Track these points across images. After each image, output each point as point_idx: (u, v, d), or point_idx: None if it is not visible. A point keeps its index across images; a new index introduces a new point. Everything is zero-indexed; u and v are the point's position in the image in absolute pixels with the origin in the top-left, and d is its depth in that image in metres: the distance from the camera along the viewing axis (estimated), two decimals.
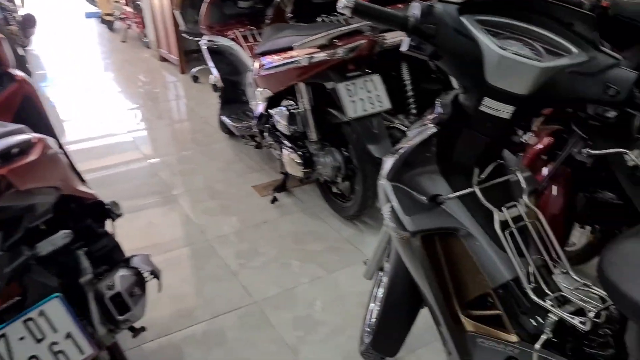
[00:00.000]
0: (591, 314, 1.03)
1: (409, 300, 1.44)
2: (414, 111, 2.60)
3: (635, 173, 1.41)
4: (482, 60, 1.01)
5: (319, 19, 2.85)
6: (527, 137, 1.73)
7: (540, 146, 1.64)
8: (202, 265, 2.31)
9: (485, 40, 1.01)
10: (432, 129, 1.16)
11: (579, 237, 1.89)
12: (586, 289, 1.14)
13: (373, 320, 1.65)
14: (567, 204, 1.55)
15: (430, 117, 1.20)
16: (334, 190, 2.58)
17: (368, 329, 1.68)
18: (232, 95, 3.15)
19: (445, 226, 1.18)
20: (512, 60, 0.99)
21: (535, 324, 1.12)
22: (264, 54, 2.52)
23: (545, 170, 1.59)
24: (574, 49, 1.01)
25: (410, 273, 1.29)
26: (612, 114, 1.03)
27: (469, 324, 1.23)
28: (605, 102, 1.01)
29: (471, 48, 1.02)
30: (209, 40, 3.10)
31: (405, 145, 1.21)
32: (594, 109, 1.04)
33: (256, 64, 2.58)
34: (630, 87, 0.99)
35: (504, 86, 1.02)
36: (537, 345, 1.07)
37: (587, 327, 1.02)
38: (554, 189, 1.56)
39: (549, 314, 1.07)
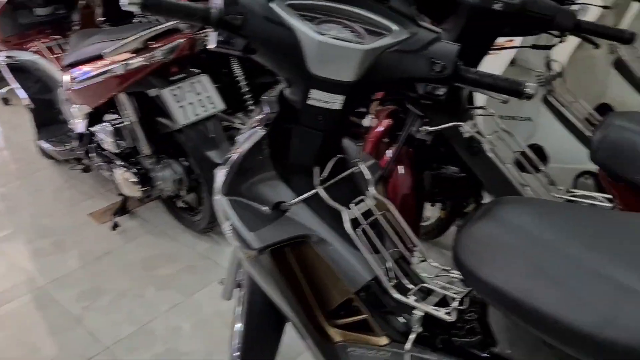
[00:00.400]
0: (455, 303, 0.99)
1: (271, 317, 1.32)
2: (252, 108, 2.47)
3: (472, 144, 1.42)
4: (301, 49, 0.90)
5: (135, 20, 2.58)
6: (367, 121, 1.70)
7: (380, 129, 1.60)
8: (37, 319, 1.98)
9: (300, 26, 0.89)
10: (261, 132, 1.03)
11: (431, 212, 1.91)
12: (447, 274, 1.11)
13: (239, 341, 1.50)
14: (415, 185, 1.53)
15: (258, 117, 1.07)
16: (180, 204, 2.38)
17: (236, 352, 1.53)
18: (47, 116, 2.77)
19: (294, 235, 1.06)
20: (332, 45, 0.90)
21: (403, 322, 1.05)
22: (72, 65, 2.22)
23: (388, 154, 1.55)
24: (394, 27, 0.94)
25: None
26: (442, 91, 0.98)
27: (336, 334, 1.14)
28: (433, 79, 0.96)
29: (287, 37, 0.90)
30: (7, 57, 2.68)
31: (236, 152, 1.07)
32: (423, 87, 0.98)
33: (66, 78, 2.26)
34: (455, 60, 0.95)
35: (329, 75, 0.93)
36: (408, 345, 1.00)
37: (452, 317, 0.97)
38: (400, 172, 1.53)
39: (414, 310, 1.01)
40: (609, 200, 1.33)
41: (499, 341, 0.93)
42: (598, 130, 1.19)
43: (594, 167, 1.69)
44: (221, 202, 1.09)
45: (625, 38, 1.36)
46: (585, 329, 0.69)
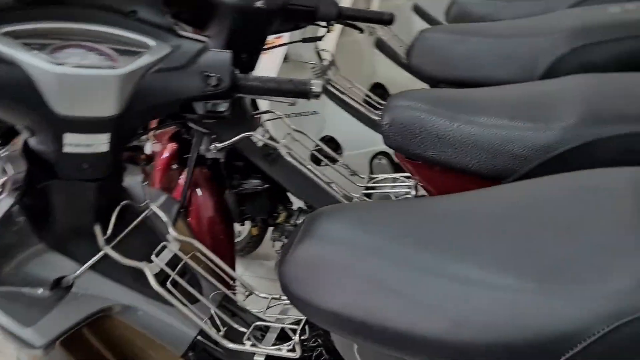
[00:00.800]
0: (296, 337, 0.88)
1: None
2: None
3: (268, 152, 1.34)
4: (36, 88, 0.70)
5: None
6: (149, 149, 1.51)
7: (165, 155, 1.43)
8: None
9: (27, 58, 0.69)
10: (7, 200, 0.80)
11: (242, 229, 1.80)
12: (278, 302, 1.00)
13: None
14: (219, 209, 1.39)
15: (1, 182, 0.83)
16: None
17: None
18: None
19: (88, 314, 0.86)
20: (76, 76, 0.71)
21: None
22: None
23: (181, 181, 1.39)
24: (151, 42, 0.79)
25: None
26: (224, 106, 0.86)
27: None
28: (211, 95, 0.83)
29: (12, 74, 0.69)
30: None
31: None
32: (203, 106, 0.85)
33: None
34: (230, 69, 0.83)
35: (83, 113, 0.74)
36: None
37: (297, 353, 0.86)
38: (199, 199, 1.38)
39: (255, 357, 0.88)
40: (408, 178, 1.36)
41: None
42: (385, 114, 1.19)
43: (384, 147, 1.74)
44: None
45: (386, 19, 1.40)
46: (439, 336, 0.63)
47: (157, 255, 0.90)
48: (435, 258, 0.69)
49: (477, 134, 1.06)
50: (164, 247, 0.92)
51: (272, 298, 0.99)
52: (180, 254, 0.93)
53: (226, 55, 0.85)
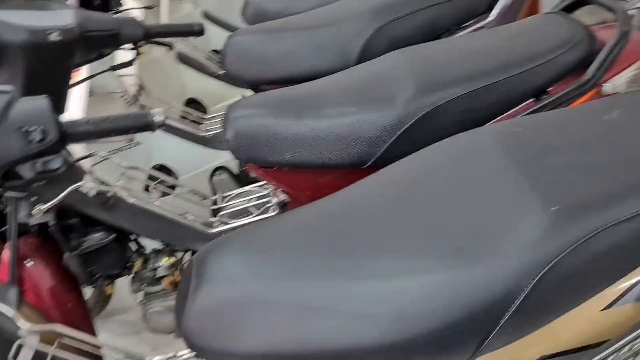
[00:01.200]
0: None
1: None
2: None
3: (103, 200, 1.18)
4: None
5: None
6: None
7: None
8: None
9: None
10: None
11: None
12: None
13: None
14: (60, 279, 1.19)
15: None
16: None
17: None
18: None
19: None
20: None
21: None
22: None
23: (4, 259, 1.16)
24: None
25: None
26: (58, 162, 0.72)
27: None
28: (39, 152, 0.69)
29: None
30: None
31: None
32: (32, 168, 0.70)
33: None
34: (53, 117, 0.70)
35: None
36: None
37: None
38: (32, 274, 1.16)
39: None
40: (261, 186, 1.31)
41: None
42: (227, 127, 1.11)
43: (220, 162, 1.67)
44: None
45: (196, 31, 1.31)
46: (382, 339, 0.60)
47: (15, 359, 0.73)
48: (349, 262, 0.66)
49: (328, 126, 1.06)
50: (20, 347, 0.76)
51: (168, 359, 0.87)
52: (43, 347, 0.77)
53: (43, 101, 0.71)
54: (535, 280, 0.59)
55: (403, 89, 1.06)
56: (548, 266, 0.59)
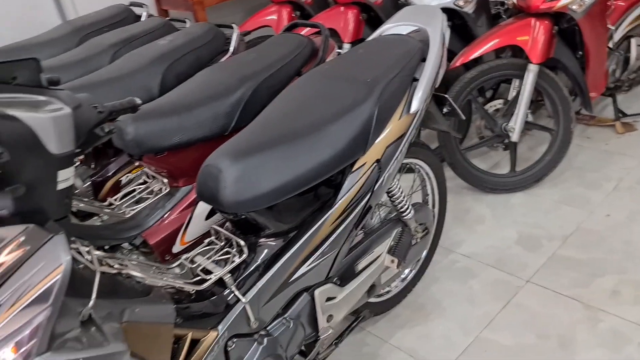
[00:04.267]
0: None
1: None
2: None
3: None
4: None
5: None
6: None
7: None
8: None
9: None
10: None
11: None
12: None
13: None
14: None
15: None
16: None
17: None
18: None
19: None
20: None
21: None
22: None
23: None
24: None
25: None
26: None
27: None
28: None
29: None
30: None
31: None
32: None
33: None
34: None
35: None
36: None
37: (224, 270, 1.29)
38: None
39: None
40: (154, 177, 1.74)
41: None
42: (127, 133, 1.53)
43: None
44: None
45: None
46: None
47: None
48: (289, 134, 1.31)
49: (197, 113, 1.61)
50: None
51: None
52: None
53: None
54: (377, 104, 1.38)
55: (232, 83, 1.71)
56: (379, 101, 1.39)
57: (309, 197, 1.40)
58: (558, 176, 2.61)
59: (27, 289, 0.88)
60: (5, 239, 0.89)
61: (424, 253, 2.00)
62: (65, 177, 0.96)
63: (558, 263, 2.11)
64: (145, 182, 1.82)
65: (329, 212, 1.39)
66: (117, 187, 1.97)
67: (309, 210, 1.39)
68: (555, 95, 2.42)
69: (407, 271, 2.00)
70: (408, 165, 1.86)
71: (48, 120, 0.91)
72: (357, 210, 1.45)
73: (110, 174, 2.02)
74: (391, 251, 1.64)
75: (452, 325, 1.91)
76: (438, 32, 1.60)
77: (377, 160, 1.44)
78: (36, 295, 0.89)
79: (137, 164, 1.95)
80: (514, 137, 2.45)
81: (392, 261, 1.62)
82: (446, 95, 1.72)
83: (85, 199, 1.86)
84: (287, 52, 1.88)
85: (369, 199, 1.46)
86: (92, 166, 2.04)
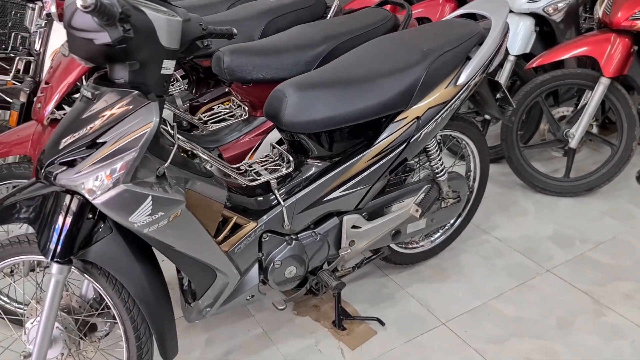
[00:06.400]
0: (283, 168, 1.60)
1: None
2: None
3: None
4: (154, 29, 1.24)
5: None
6: None
7: None
8: None
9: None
10: None
11: None
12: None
13: None
14: None
15: None
16: None
17: None
18: None
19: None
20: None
21: (258, 201, 1.59)
22: None
23: None
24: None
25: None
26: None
27: (224, 248, 1.53)
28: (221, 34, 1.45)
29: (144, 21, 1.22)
30: None
31: None
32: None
33: None
34: None
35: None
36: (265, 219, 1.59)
37: (291, 167, 1.60)
38: None
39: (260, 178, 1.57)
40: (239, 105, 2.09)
41: None
42: (225, 60, 1.88)
43: None
44: None
45: None
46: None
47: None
48: (352, 79, 1.59)
49: (284, 57, 1.93)
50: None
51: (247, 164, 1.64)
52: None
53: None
54: (427, 69, 1.63)
55: (317, 39, 2.01)
56: (429, 68, 1.64)
57: (352, 134, 1.67)
58: (612, 190, 2.69)
59: (125, 134, 1.24)
60: (119, 98, 1.25)
61: (454, 221, 2.22)
62: (168, 66, 1.30)
63: (583, 262, 2.24)
64: (230, 109, 2.17)
65: (367, 151, 1.67)
66: (209, 112, 2.35)
67: (350, 145, 1.67)
68: (622, 111, 2.51)
69: (437, 234, 2.23)
70: (455, 140, 2.08)
71: (164, 20, 1.25)
72: (391, 155, 1.70)
73: (205, 101, 2.41)
74: (417, 202, 1.88)
75: (465, 288, 2.12)
76: (500, 22, 1.81)
77: (417, 118, 1.69)
78: (130, 140, 1.24)
79: (227, 93, 2.31)
80: (573, 143, 2.57)
81: (417, 210, 1.86)
82: (499, 81, 1.92)
83: (181, 111, 2.25)
84: (371, 22, 2.16)
85: (404, 148, 1.71)
86: (193, 91, 2.44)
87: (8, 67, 2.49)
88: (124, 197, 1.26)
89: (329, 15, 2.52)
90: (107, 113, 1.25)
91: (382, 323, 1.95)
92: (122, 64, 1.25)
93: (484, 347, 1.85)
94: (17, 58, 2.15)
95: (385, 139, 1.68)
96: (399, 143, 1.70)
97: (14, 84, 2.33)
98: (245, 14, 2.37)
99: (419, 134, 1.72)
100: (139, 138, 1.24)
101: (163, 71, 1.30)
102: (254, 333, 1.95)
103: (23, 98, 2.04)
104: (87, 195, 1.26)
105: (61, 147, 1.26)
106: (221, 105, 2.42)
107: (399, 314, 2.01)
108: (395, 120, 1.68)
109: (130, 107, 1.25)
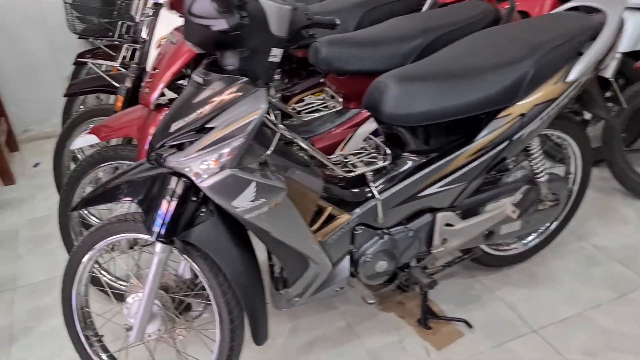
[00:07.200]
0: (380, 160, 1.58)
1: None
2: None
3: None
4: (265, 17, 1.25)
5: None
6: None
7: None
8: None
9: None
10: None
11: None
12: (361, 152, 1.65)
13: None
14: None
15: None
16: None
17: None
18: None
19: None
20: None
21: (354, 193, 1.58)
22: None
23: None
24: None
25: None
26: None
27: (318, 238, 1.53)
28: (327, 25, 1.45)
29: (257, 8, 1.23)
30: None
31: None
32: None
33: None
34: None
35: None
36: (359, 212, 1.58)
37: (388, 160, 1.58)
38: None
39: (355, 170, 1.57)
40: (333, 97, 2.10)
41: None
42: (321, 51, 1.88)
43: None
44: None
45: None
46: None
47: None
48: (458, 70, 1.54)
49: (381, 50, 1.91)
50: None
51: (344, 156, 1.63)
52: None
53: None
54: (535, 65, 1.55)
55: (415, 31, 1.97)
56: (538, 63, 1.56)
57: (452, 129, 1.62)
58: None
59: (233, 120, 1.27)
60: (229, 84, 1.28)
61: (550, 225, 2.12)
62: (276, 54, 1.31)
63: None
64: (324, 100, 2.18)
65: (467, 147, 1.61)
66: (300, 102, 2.37)
67: (448, 140, 1.63)
68: None
69: (530, 237, 2.13)
70: (559, 139, 1.98)
71: (275, 8, 1.26)
72: (492, 153, 1.64)
73: (297, 91, 2.43)
74: (515, 203, 1.80)
75: (559, 297, 2.02)
76: (616, 16, 1.69)
77: (522, 115, 1.62)
78: (238, 126, 1.27)
79: (319, 84, 2.32)
80: None
81: (514, 211, 1.78)
82: (611, 79, 1.80)
83: (276, 100, 2.28)
84: (471, 15, 2.09)
85: (505, 146, 1.64)
86: (285, 82, 2.46)
87: (114, 54, 2.62)
88: (229, 181, 1.29)
89: (424, 8, 2.47)
90: (217, 99, 1.27)
91: (469, 325, 1.89)
92: (233, 50, 1.28)
93: (579, 358, 1.76)
94: (125, 45, 2.26)
95: (486, 136, 1.62)
96: (501, 140, 1.63)
97: (120, 70, 2.45)
98: (340, 5, 2.36)
99: (522, 131, 1.64)
100: (247, 124, 1.27)
101: (271, 59, 1.31)
102: (337, 325, 1.95)
103: (129, 83, 2.13)
104: (193, 178, 1.30)
105: (171, 130, 1.31)
106: (312, 96, 2.44)
107: (487, 318, 1.94)
108: (498, 116, 1.61)
109: (240, 93, 1.27)
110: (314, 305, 2.03)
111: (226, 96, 1.27)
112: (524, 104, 1.61)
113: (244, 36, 1.24)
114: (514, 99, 1.59)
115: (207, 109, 1.28)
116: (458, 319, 1.91)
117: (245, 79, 1.28)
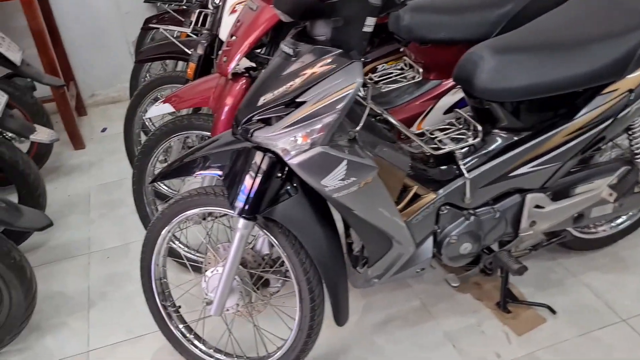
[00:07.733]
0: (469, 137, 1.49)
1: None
2: None
3: None
4: None
5: None
6: None
7: None
8: None
9: None
10: None
11: None
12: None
13: None
14: None
15: None
16: None
17: None
18: None
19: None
20: None
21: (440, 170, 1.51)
22: None
23: None
24: None
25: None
26: None
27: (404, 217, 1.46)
28: None
29: None
30: None
31: None
32: None
33: None
34: None
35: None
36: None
37: (478, 138, 1.47)
38: None
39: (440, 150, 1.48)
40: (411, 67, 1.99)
41: None
42: (404, 18, 1.77)
43: None
44: None
45: None
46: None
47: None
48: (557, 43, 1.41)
49: (467, 16, 1.78)
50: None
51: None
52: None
53: None
54: None
55: None
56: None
57: (550, 105, 1.50)
58: None
59: (326, 95, 1.20)
60: (321, 56, 1.20)
61: None
62: (370, 24, 1.23)
63: None
64: (402, 69, 2.07)
65: (566, 124, 1.49)
66: (373, 71, 2.27)
67: (545, 117, 1.51)
68: None
69: (620, 220, 2.00)
70: None
71: None
72: (592, 132, 1.52)
73: (368, 59, 2.33)
74: (612, 185, 1.68)
75: None
76: None
77: (630, 90, 1.48)
78: (331, 101, 1.20)
79: (393, 52, 2.21)
80: None
81: (610, 194, 1.66)
82: None
83: None
84: None
85: (608, 125, 1.51)
86: None
87: (182, 20, 2.57)
88: (319, 159, 1.23)
89: None
90: (308, 71, 1.20)
91: (553, 311, 1.80)
92: (326, 20, 1.20)
93: None
94: (197, 11, 2.20)
95: (589, 113, 1.49)
96: (604, 119, 1.51)
97: (190, 36, 2.41)
98: None
99: (629, 108, 1.51)
100: (341, 99, 1.19)
101: (365, 29, 1.23)
102: (412, 304, 1.89)
103: (201, 50, 2.09)
104: (281, 155, 1.24)
105: (259, 104, 1.25)
106: (385, 64, 2.33)
107: (570, 304, 1.84)
108: (604, 92, 1.48)
109: (334, 66, 1.19)
110: (389, 282, 1.98)
111: (318, 68, 1.20)
112: (633, 78, 1.47)
113: (339, 4, 1.15)
114: (624, 72, 1.46)
115: (297, 82, 1.21)
116: (540, 304, 1.82)
117: (339, 50, 1.20)
